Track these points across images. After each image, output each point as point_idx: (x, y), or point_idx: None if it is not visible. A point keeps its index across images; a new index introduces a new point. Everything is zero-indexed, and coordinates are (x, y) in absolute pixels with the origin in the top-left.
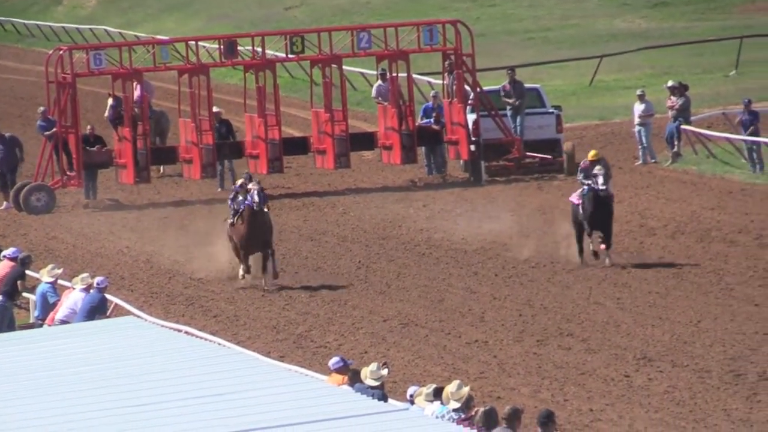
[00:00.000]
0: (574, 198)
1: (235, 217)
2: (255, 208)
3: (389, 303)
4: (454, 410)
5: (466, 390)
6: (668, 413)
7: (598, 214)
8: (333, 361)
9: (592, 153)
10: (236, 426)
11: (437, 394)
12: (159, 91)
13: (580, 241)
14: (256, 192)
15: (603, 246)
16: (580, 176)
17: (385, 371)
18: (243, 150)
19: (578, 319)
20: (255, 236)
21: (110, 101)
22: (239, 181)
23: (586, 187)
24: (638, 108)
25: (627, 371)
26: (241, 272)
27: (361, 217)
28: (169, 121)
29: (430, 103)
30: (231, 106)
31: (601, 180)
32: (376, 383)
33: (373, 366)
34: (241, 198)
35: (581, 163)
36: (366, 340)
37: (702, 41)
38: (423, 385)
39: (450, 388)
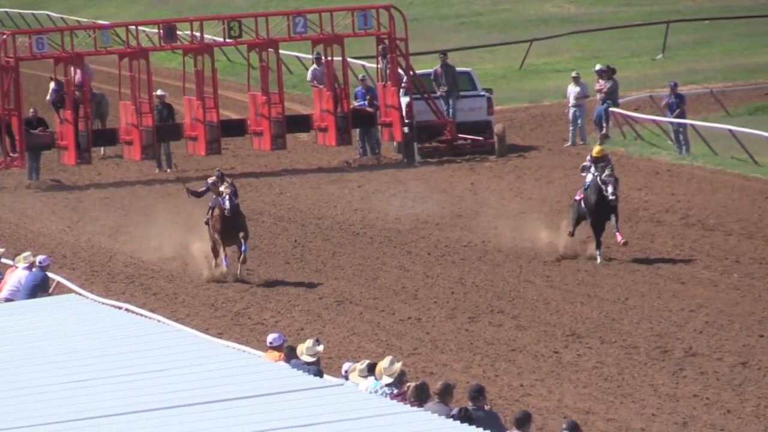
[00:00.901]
0: (578, 196)
1: (209, 214)
2: (227, 214)
3: (324, 281)
4: (387, 385)
5: (398, 366)
6: (596, 388)
7: (601, 206)
8: (271, 338)
9: (596, 149)
10: (175, 401)
11: (371, 369)
12: (100, 74)
13: (573, 228)
14: (227, 197)
15: (620, 238)
16: (582, 172)
17: (320, 347)
18: (182, 132)
19: (509, 297)
20: (229, 233)
21: (52, 85)
22: (211, 179)
23: (587, 181)
24: (573, 90)
25: (556, 347)
26: (216, 264)
27: (297, 198)
28: (108, 104)
29: (360, 87)
30: (170, 90)
31: (611, 189)
32: (311, 359)
33: (309, 342)
34: (214, 198)
35: (586, 158)
36: (302, 317)
37: (629, 26)
38: (357, 361)
39: (383, 364)
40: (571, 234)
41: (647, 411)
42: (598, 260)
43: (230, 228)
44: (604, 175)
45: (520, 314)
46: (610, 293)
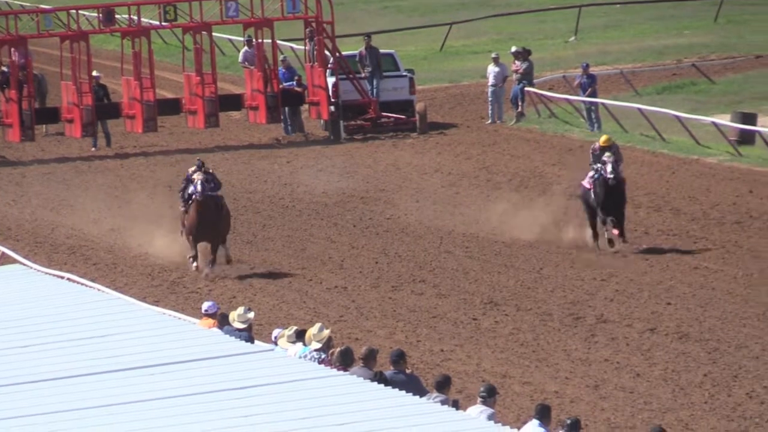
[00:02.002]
0: (586, 182)
1: (186, 206)
2: (198, 198)
3: (255, 252)
4: (316, 350)
5: (327, 332)
6: (513, 353)
7: (610, 199)
8: (205, 306)
9: (603, 138)
10: (113, 366)
11: (299, 336)
12: (43, 56)
13: (593, 226)
14: (200, 182)
15: (616, 231)
16: (591, 160)
17: (251, 315)
18: (120, 111)
19: (430, 267)
20: (204, 226)
21: (3, 68)
22: (191, 169)
23: (595, 172)
24: (493, 70)
25: (475, 314)
26: (190, 259)
27: (230, 173)
28: (47, 84)
29: (281, 68)
30: (109, 70)
31: (609, 168)
32: (243, 326)
33: (240, 310)
34: (191, 187)
35: (592, 146)
36: (234, 286)
37: (544, 10)
38: (286, 328)
39: (312, 330)
40: (595, 236)
41: (561, 375)
42: (595, 247)
43: (205, 218)
44: (604, 156)
45: (440, 283)
46: (525, 263)
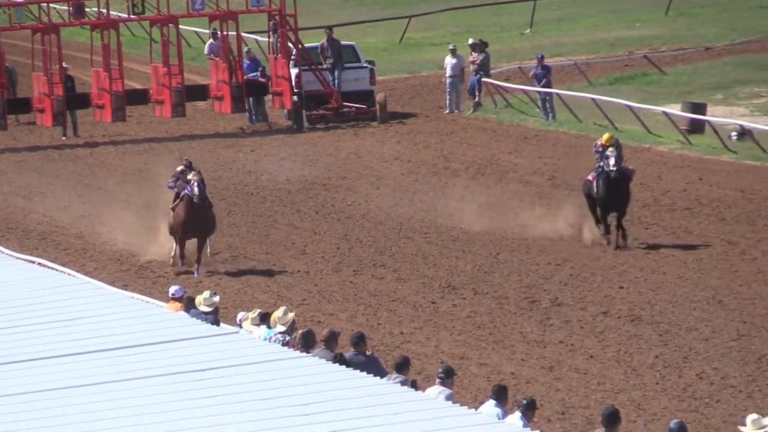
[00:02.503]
0: (590, 177)
1: (176, 202)
2: (195, 200)
3: (221, 237)
4: (281, 333)
5: (291, 315)
6: (470, 336)
7: (613, 196)
8: (172, 290)
9: (606, 137)
10: (82, 348)
11: (263, 319)
12: (15, 48)
13: (594, 215)
14: (196, 184)
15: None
16: (596, 156)
17: (216, 298)
18: (90, 101)
19: (390, 252)
20: (192, 225)
21: None
22: (179, 168)
23: (600, 167)
24: (451, 61)
25: (434, 298)
26: (174, 254)
27: (196, 161)
28: (17, 75)
29: (246, 59)
30: (79, 62)
31: (612, 161)
32: (209, 309)
33: (206, 294)
34: (180, 185)
35: (594, 144)
36: (200, 271)
37: (500, 3)
38: (250, 311)
39: (277, 314)
40: (606, 231)
41: (517, 356)
42: (604, 239)
43: (196, 218)
44: (607, 151)
45: (400, 268)
46: (482, 248)
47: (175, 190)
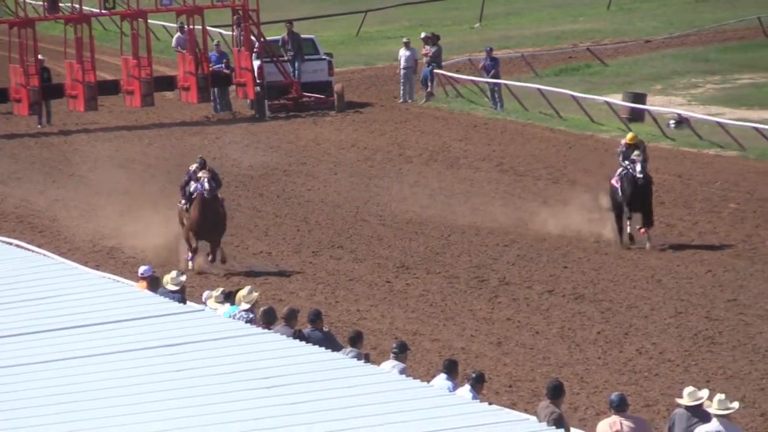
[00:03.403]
0: (614, 180)
1: (188, 203)
2: (206, 195)
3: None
4: (245, 311)
5: (255, 295)
6: (423, 313)
7: (637, 196)
8: (142, 270)
9: (630, 136)
10: (56, 325)
11: (227, 297)
12: None
13: (620, 222)
14: (206, 180)
15: (642, 231)
16: (619, 158)
17: (183, 278)
18: (64, 91)
19: (347, 234)
20: (206, 224)
21: None
22: (192, 167)
23: (623, 169)
24: (404, 54)
25: (388, 277)
26: (189, 256)
27: (164, 148)
28: None
29: (214, 52)
30: (54, 54)
31: (638, 168)
32: (176, 288)
33: (173, 273)
34: (194, 184)
35: (620, 144)
36: (167, 253)
37: None
38: (214, 290)
39: (242, 292)
40: (631, 239)
41: (467, 332)
42: (620, 243)
43: (208, 216)
44: (633, 154)
45: (356, 249)
46: (434, 230)
47: (188, 189)
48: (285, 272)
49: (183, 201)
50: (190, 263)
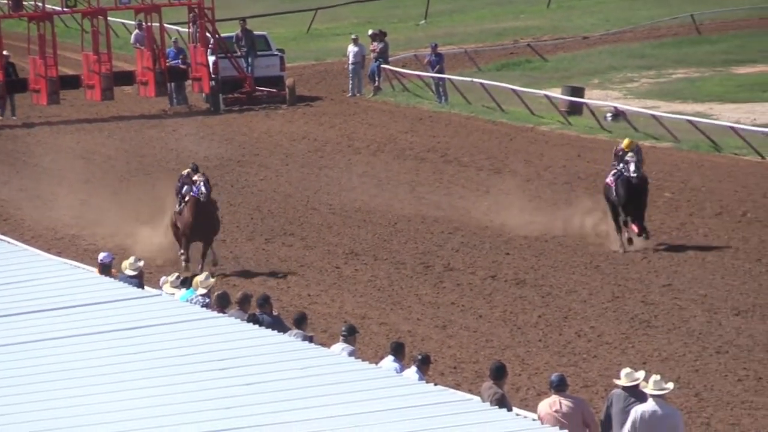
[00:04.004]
0: (609, 180)
1: (181, 206)
2: (202, 199)
3: (145, 208)
4: (201, 296)
5: (212, 280)
6: (371, 297)
7: (632, 199)
8: (101, 256)
9: (626, 142)
10: (19, 309)
11: (183, 282)
12: None
13: (616, 221)
14: (202, 183)
15: (635, 228)
16: (614, 161)
17: (141, 263)
18: (27, 85)
19: (298, 222)
20: (199, 226)
21: None
22: (185, 171)
23: (617, 171)
24: (353, 49)
25: (338, 264)
26: (182, 260)
27: (123, 140)
28: None
29: (172, 48)
30: (18, 50)
31: (632, 167)
32: (134, 273)
33: (131, 259)
34: (186, 188)
35: (615, 148)
36: (127, 240)
37: None
38: (170, 275)
39: (199, 278)
40: (619, 230)
41: (413, 316)
42: (618, 243)
43: (202, 219)
44: (627, 156)
45: (307, 236)
46: (381, 218)
47: (182, 192)
48: (239, 258)
49: (178, 206)
50: (184, 264)
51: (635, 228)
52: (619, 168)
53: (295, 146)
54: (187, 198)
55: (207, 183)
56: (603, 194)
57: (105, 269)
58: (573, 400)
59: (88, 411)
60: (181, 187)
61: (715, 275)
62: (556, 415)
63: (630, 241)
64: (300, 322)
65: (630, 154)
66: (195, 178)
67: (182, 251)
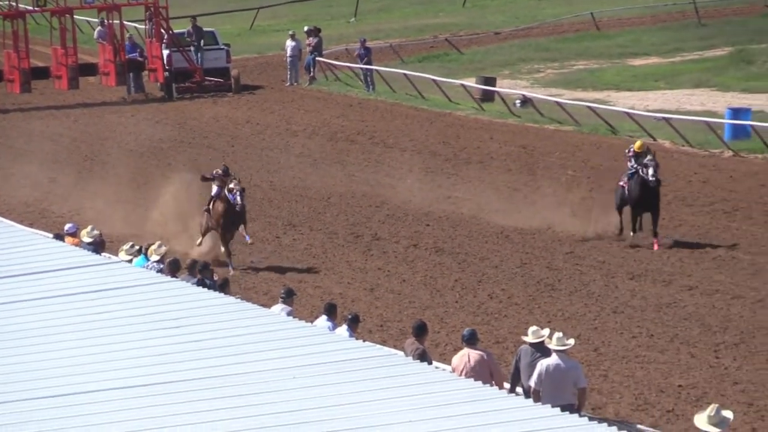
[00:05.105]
0: (622, 182)
1: (211, 203)
2: (237, 209)
3: (109, 187)
4: (155, 262)
5: (165, 248)
6: (307, 264)
7: (645, 198)
8: (67, 227)
9: (637, 144)
10: None
11: (138, 250)
12: None
13: (620, 214)
14: (239, 194)
15: (656, 246)
16: (628, 162)
17: (96, 232)
18: (2, 76)
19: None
20: (230, 228)
21: None
22: (216, 171)
23: (633, 171)
24: (290, 44)
25: (278, 234)
26: (198, 244)
27: (87, 124)
28: None
29: (128, 43)
30: None
31: (651, 171)
32: (90, 240)
33: (89, 228)
34: (217, 189)
35: (627, 150)
36: (92, 213)
37: None
38: (125, 244)
39: (153, 246)
40: (633, 231)
41: (344, 280)
42: (629, 240)
43: (234, 222)
44: (646, 159)
45: (250, 210)
46: (316, 193)
47: (213, 184)
48: (189, 230)
49: (207, 205)
50: (198, 242)
51: (655, 245)
52: (635, 168)
53: (240, 130)
54: (215, 195)
55: (243, 193)
56: (615, 196)
57: (71, 238)
58: (481, 352)
59: (54, 365)
60: (211, 179)
61: (612, 244)
62: (466, 366)
63: (636, 229)
64: (223, 286)
65: (649, 157)
66: (231, 186)
67: (200, 236)
